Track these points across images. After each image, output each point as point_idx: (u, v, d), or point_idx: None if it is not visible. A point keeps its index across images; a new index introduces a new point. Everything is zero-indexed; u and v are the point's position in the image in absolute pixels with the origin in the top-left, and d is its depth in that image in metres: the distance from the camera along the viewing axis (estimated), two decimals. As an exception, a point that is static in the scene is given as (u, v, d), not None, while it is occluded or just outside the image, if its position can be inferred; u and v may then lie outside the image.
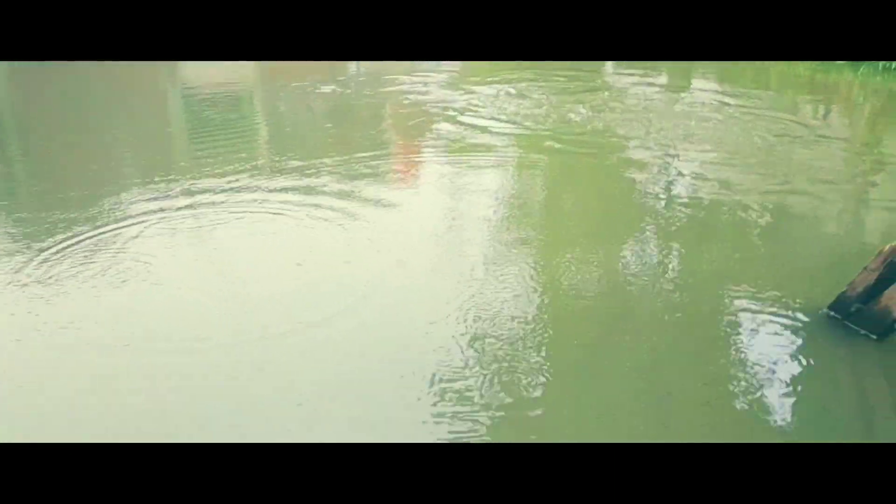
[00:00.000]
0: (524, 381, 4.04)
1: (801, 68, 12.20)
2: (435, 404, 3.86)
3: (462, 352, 4.28)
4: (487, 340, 4.39)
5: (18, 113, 10.99)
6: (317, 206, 6.33)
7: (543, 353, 4.30)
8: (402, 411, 3.82)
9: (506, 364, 4.17)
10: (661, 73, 11.97)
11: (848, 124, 9.52)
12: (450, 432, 3.65)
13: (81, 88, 11.68)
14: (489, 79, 11.01)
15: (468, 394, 3.93)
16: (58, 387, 4.04)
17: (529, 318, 4.65)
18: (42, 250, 5.55)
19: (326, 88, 10.95)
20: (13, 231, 6.05)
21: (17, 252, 5.57)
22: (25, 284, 5.07)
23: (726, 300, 4.94)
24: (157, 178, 7.09)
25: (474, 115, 9.08)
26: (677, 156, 7.82)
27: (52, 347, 4.37)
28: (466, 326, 4.53)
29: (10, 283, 5.09)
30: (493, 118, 9.01)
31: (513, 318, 4.63)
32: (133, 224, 6.01)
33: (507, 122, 8.87)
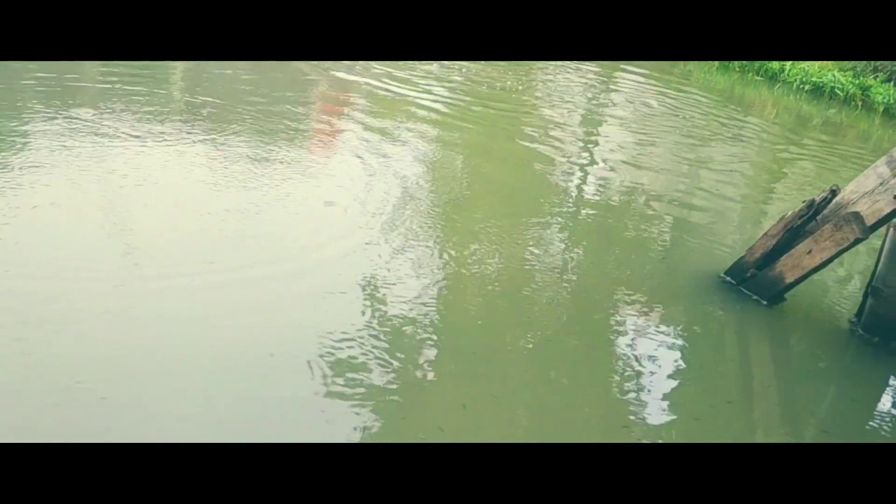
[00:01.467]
0: (408, 363, 3.69)
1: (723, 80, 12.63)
2: (313, 379, 3.48)
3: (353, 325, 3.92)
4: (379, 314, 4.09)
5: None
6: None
7: (434, 334, 3.99)
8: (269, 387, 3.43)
9: (395, 341, 3.84)
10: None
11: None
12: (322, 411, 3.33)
13: None
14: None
15: (353, 365, 3.61)
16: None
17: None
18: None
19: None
20: None
21: None
22: None
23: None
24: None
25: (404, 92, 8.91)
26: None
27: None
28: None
29: None
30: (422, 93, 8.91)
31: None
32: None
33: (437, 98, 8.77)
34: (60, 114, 6.20)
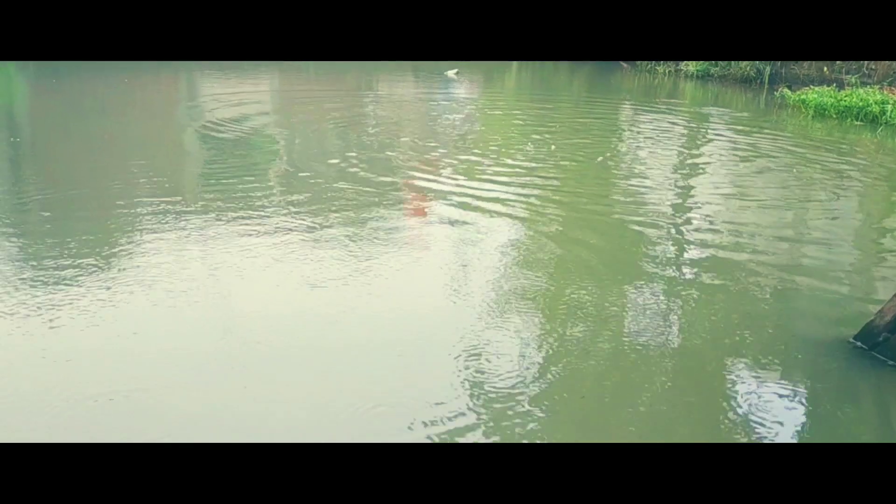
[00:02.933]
0: (518, 429, 3.62)
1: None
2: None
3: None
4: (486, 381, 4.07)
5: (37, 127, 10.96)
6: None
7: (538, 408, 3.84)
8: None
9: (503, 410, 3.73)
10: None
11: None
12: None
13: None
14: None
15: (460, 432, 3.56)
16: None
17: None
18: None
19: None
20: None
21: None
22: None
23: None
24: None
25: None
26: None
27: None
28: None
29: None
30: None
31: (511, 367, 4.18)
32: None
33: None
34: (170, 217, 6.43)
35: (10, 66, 16.80)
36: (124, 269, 5.10)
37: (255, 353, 4.11)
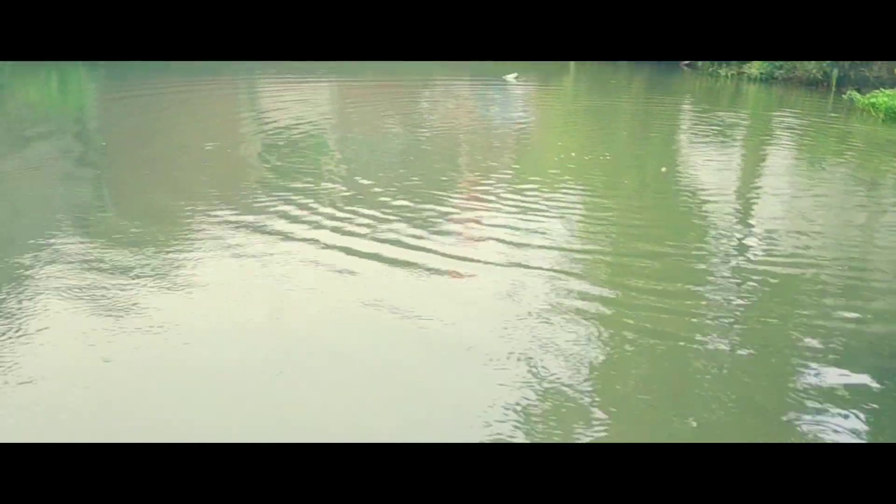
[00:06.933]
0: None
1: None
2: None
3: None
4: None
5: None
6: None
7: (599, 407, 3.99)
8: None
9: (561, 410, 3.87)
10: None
11: None
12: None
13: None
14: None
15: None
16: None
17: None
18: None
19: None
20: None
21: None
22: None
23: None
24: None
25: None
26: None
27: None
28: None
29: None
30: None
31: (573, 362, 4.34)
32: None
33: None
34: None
35: (81, 69, 17.38)
36: (189, 275, 5.34)
37: (336, 365, 4.19)
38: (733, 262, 6.10)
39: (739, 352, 4.62)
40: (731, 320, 4.98)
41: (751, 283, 5.62)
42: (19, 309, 4.80)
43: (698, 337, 4.74)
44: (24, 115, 12.37)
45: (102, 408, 3.87)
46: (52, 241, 5.98)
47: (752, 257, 6.26)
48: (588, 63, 19.80)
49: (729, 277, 5.73)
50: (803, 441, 3.74)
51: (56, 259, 5.60)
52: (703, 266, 5.86)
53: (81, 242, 6.06)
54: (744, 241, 6.68)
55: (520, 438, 3.68)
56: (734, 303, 5.26)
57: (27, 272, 5.37)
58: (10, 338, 4.44)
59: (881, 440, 3.81)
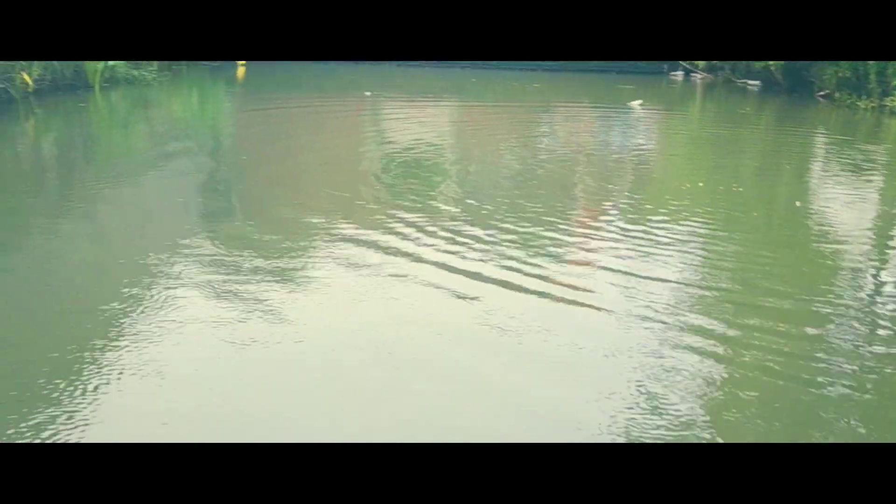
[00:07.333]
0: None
1: None
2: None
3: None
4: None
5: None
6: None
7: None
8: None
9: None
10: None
11: None
12: None
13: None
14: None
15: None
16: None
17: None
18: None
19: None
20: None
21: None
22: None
23: None
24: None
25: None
26: None
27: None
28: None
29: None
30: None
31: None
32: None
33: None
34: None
35: (219, 84, 18.48)
36: (307, 286, 5.58)
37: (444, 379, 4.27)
38: (864, 308, 5.73)
39: (865, 397, 4.35)
40: (856, 367, 4.69)
41: (881, 332, 5.28)
42: (152, 299, 5.30)
43: (819, 379, 4.50)
44: (167, 130, 13.31)
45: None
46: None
47: (886, 303, 5.87)
48: (716, 90, 19.29)
49: (858, 323, 5.39)
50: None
51: (189, 259, 6.10)
52: (829, 310, 5.54)
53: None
54: (878, 286, 6.28)
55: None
56: (861, 350, 4.95)
57: (162, 268, 5.90)
58: (147, 325, 4.89)
59: None
